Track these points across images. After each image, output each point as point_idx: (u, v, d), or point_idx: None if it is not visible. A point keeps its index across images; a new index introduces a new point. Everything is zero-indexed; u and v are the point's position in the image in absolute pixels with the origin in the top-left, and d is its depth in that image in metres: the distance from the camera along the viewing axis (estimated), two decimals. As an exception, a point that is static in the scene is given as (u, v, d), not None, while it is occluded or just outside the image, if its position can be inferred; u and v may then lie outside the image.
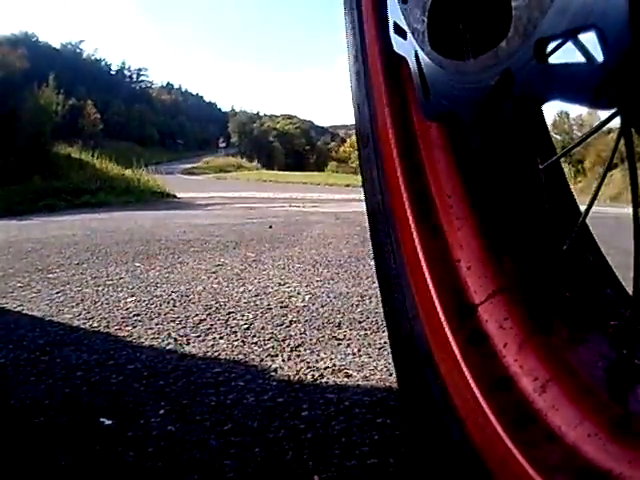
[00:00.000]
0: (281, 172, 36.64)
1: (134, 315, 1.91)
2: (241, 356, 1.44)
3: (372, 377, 1.29)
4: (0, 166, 12.09)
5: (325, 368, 1.34)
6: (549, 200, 0.67)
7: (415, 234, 0.76)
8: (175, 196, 13.50)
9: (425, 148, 0.80)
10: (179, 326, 1.75)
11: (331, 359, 1.41)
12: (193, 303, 2.05)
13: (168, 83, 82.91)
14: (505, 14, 0.45)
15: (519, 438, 0.56)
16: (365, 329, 1.68)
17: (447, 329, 0.67)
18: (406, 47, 0.66)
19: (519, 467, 0.54)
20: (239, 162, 46.02)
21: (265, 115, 76.22)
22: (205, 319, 1.82)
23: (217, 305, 2.01)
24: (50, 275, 2.69)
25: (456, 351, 0.65)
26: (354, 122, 0.99)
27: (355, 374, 1.31)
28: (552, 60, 0.41)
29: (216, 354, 1.46)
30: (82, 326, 1.80)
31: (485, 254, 0.68)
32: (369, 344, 1.54)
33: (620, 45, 0.33)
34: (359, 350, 1.48)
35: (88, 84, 22.88)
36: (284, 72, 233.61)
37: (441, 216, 0.75)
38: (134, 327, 1.76)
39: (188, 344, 1.56)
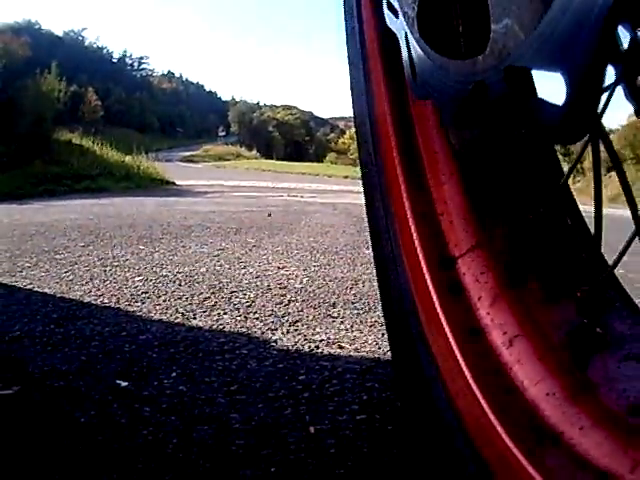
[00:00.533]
0: (280, 162, 36.68)
1: (142, 293, 2.02)
2: (244, 329, 1.56)
3: (363, 349, 1.41)
4: (2, 152, 12.11)
5: (320, 340, 1.46)
6: (532, 162, 0.69)
7: (403, 187, 0.78)
8: (174, 183, 13.55)
9: (415, 104, 0.81)
10: (186, 303, 1.87)
11: (326, 333, 1.53)
12: (198, 283, 2.17)
13: (169, 71, 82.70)
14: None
15: (485, 389, 0.58)
16: (358, 309, 1.80)
17: (428, 279, 0.70)
18: (397, 26, 0.66)
19: (485, 417, 0.56)
20: (238, 151, 45.93)
21: (265, 105, 76.10)
22: (210, 297, 1.94)
23: (220, 285, 2.13)
24: (57, 256, 2.77)
25: (435, 300, 0.68)
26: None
27: (347, 346, 1.43)
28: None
29: (221, 327, 1.59)
30: (93, 302, 1.91)
31: (467, 210, 0.70)
32: (361, 322, 1.66)
33: (583, 91, 0.35)
34: (351, 326, 1.61)
35: (90, 72, 22.80)
36: (285, 62, 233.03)
37: (427, 171, 0.76)
38: (143, 303, 1.88)
39: (195, 318, 1.68)
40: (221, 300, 1.90)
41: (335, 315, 1.73)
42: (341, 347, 1.42)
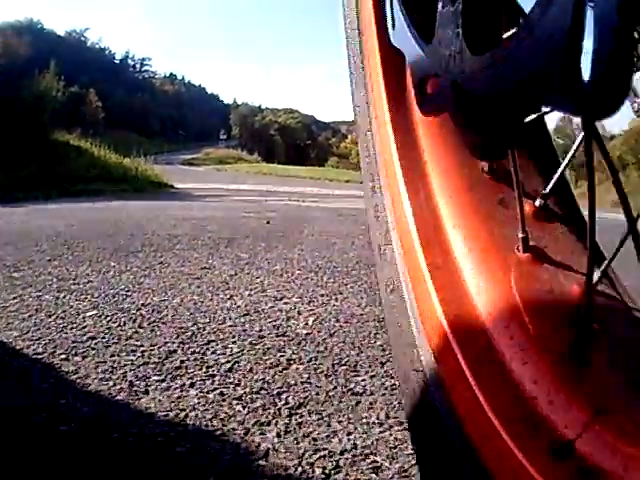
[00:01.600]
0: (281, 166, 36.01)
1: (89, 338, 1.45)
2: (216, 423, 0.97)
3: (413, 471, 0.82)
4: None
5: (342, 453, 0.87)
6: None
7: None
8: (173, 186, 13.03)
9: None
10: (140, 360, 1.29)
11: (349, 434, 0.93)
12: (164, 323, 1.58)
13: (171, 74, 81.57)
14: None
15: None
16: (391, 376, 1.20)
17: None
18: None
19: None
20: (239, 154, 45.29)
21: (267, 108, 75.48)
22: (176, 350, 1.36)
23: (194, 328, 1.54)
24: (16, 274, 2.26)
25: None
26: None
27: (386, 464, 0.84)
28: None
29: (181, 416, 0.99)
30: (23, 351, 1.34)
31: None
32: (400, 403, 1.06)
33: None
34: (387, 416, 1.01)
35: (91, 72, 22.17)
36: (287, 67, 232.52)
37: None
38: (84, 358, 1.30)
39: (146, 393, 1.10)
40: (191, 357, 1.31)
41: (359, 390, 1.14)
42: (377, 468, 0.82)
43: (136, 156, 14.33)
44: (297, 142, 66.12)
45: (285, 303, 1.84)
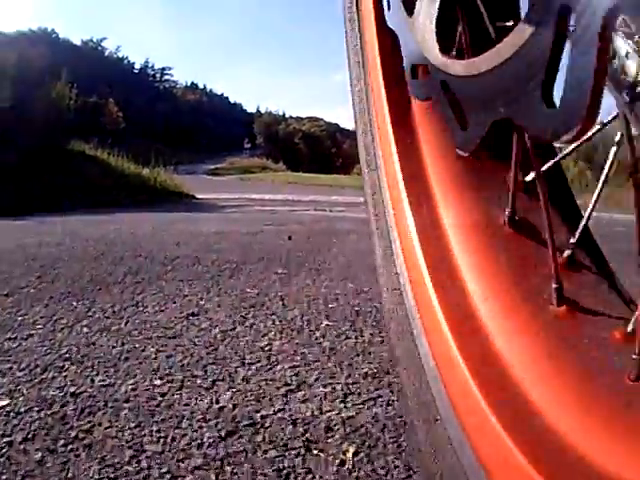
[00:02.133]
0: (306, 174, 35.28)
1: None
2: None
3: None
4: (8, 162, 11.05)
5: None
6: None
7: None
8: (194, 197, 12.45)
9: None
10: None
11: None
12: (80, 460, 0.85)
13: (192, 83, 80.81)
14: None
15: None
16: None
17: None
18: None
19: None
20: (264, 163, 44.60)
21: (291, 117, 74.90)
22: None
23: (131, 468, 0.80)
24: None
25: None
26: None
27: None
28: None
29: None
30: None
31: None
32: None
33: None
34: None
35: (110, 82, 21.69)
36: (312, 74, 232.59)
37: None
38: None
39: None
40: None
41: None
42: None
43: (155, 166, 13.79)
44: (322, 150, 65.45)
45: (304, 399, 1.08)
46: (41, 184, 10.63)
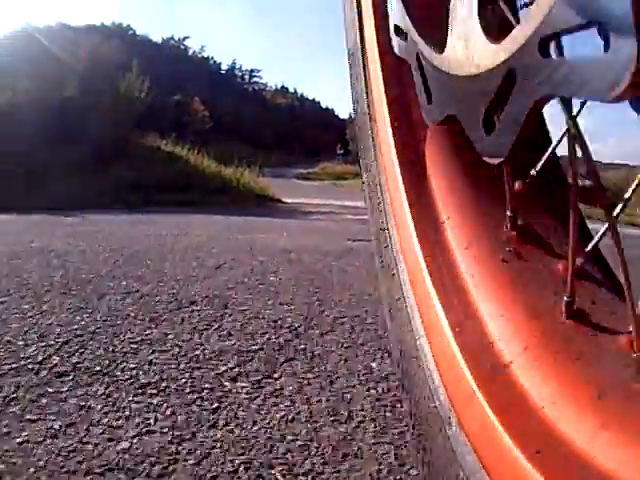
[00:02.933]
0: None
1: None
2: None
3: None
4: (74, 154, 9.90)
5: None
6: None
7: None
8: (280, 200, 11.30)
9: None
10: None
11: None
12: None
13: (283, 86, 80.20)
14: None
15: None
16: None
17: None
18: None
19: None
20: (357, 170, 42.84)
21: (384, 123, 72.56)
22: None
23: None
24: None
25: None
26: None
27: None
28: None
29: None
30: None
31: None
32: None
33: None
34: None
35: (195, 81, 21.01)
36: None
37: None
38: None
39: None
40: None
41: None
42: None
43: (239, 166, 12.42)
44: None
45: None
46: (107, 179, 9.38)
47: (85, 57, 12.67)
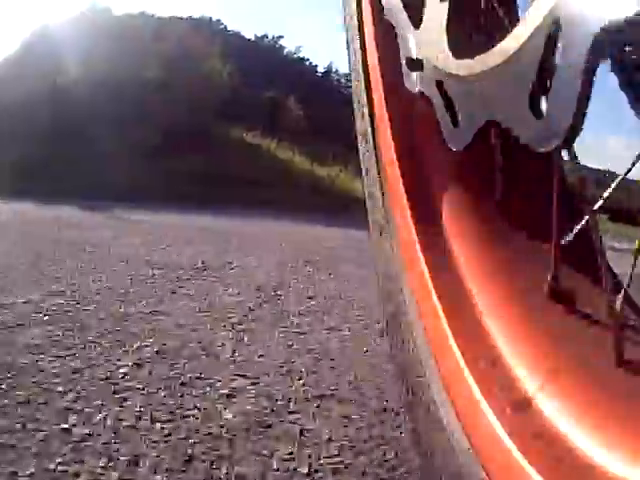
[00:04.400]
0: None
1: None
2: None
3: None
4: (148, 142, 8.72)
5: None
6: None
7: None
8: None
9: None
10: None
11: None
12: None
13: (385, 95, 79.51)
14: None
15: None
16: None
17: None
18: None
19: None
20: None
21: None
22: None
23: None
24: None
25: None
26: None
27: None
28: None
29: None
30: None
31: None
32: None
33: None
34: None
35: (289, 80, 20.07)
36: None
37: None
38: None
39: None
40: None
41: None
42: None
43: (334, 164, 10.74)
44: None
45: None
46: (176, 168, 7.97)
47: (171, 44, 11.58)
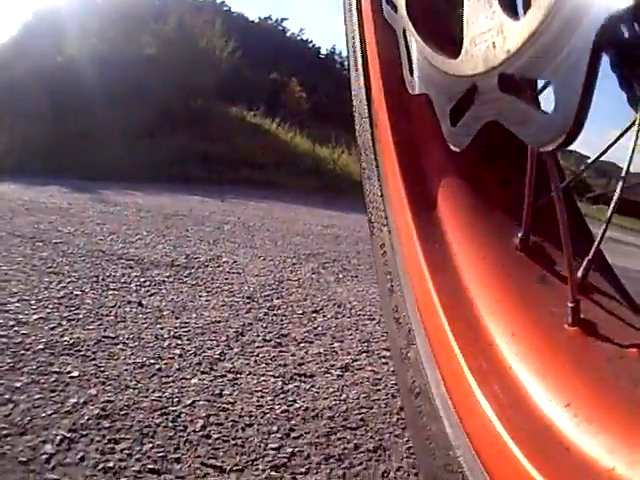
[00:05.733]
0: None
1: None
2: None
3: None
4: (141, 120, 8.48)
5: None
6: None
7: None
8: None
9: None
10: None
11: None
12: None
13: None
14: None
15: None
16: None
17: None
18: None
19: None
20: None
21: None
22: None
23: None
24: None
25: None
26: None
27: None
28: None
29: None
30: None
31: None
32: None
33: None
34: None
35: (292, 63, 19.90)
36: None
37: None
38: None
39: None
40: None
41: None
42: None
43: (336, 147, 10.51)
44: None
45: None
46: (170, 146, 7.81)
47: (172, 24, 11.32)
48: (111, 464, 0.81)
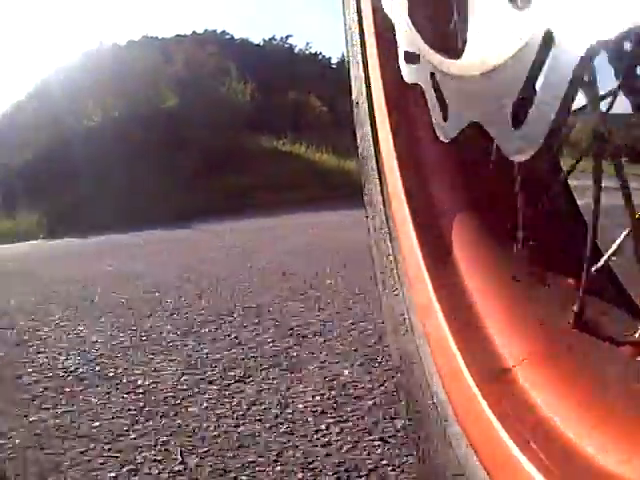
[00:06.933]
0: None
1: None
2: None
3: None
4: (180, 165, 9.57)
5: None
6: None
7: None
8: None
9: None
10: None
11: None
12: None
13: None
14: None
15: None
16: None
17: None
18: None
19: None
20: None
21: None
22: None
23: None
24: None
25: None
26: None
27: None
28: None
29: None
30: None
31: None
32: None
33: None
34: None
35: (306, 79, 20.27)
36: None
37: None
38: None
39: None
40: None
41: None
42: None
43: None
44: None
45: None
46: (217, 185, 9.05)
47: (179, 66, 12.28)
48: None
